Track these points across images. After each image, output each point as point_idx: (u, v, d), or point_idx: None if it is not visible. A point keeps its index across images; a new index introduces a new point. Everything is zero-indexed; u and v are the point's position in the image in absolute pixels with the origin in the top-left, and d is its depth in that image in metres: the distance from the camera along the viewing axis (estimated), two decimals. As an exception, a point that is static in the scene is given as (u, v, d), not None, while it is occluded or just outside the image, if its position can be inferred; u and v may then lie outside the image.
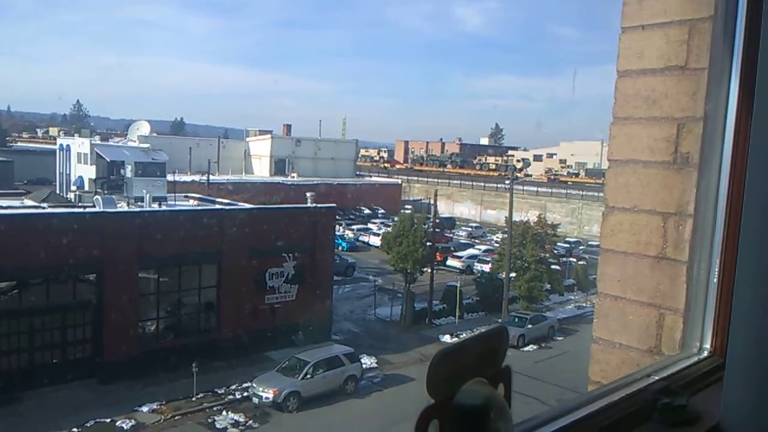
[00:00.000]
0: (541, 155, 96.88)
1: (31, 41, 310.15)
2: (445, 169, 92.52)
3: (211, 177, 47.35)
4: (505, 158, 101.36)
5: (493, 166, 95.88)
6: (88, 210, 25.79)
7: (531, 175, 79.98)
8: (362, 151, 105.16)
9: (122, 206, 28.93)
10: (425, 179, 77.37)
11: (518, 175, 69.91)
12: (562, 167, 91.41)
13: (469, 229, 56.63)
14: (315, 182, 53.75)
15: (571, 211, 58.47)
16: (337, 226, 38.18)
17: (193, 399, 21.10)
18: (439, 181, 73.16)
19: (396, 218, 39.88)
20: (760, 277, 1.25)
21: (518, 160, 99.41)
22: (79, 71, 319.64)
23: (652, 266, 1.68)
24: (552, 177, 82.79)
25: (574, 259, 41.63)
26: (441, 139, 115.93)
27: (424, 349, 26.02)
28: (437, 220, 39.40)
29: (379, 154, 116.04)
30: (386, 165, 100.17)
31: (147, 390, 21.12)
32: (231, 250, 25.06)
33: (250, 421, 20.32)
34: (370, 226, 51.91)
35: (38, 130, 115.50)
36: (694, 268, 1.62)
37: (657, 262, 1.67)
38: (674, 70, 1.63)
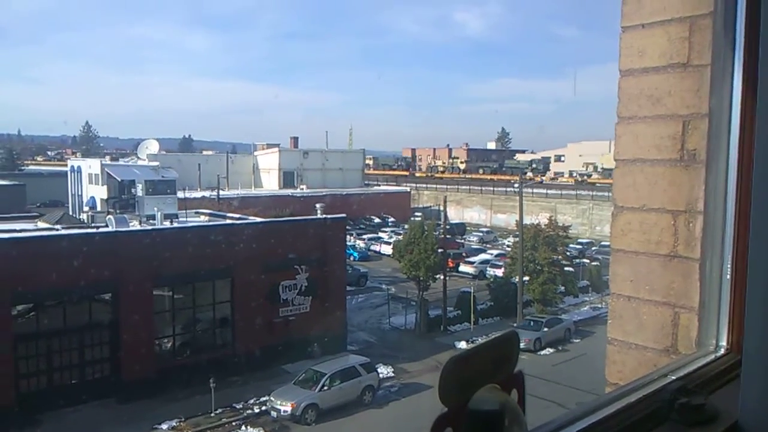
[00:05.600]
0: (549, 157, 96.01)
1: (36, 64, 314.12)
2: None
3: (221, 192, 47.60)
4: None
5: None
6: (101, 230, 26.03)
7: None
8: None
9: (134, 225, 29.14)
10: (434, 186, 77.17)
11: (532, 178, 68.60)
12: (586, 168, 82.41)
13: (480, 234, 56.47)
14: (324, 193, 53.84)
15: (581, 212, 58.15)
16: (348, 236, 38.20)
17: (212, 415, 21.12)
18: (448, 187, 73.03)
19: (406, 226, 39.84)
20: (772, 271, 1.24)
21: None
22: (87, 93, 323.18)
23: (664, 265, 1.66)
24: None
25: (587, 260, 41.30)
26: (448, 145, 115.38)
27: (440, 356, 25.88)
28: (447, 227, 39.32)
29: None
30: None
31: (166, 407, 21.16)
32: (243, 265, 25.14)
33: (269, 435, 20.33)
34: (380, 234, 51.91)
35: (49, 152, 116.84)
36: (706, 265, 1.60)
37: (669, 261, 1.65)
38: (677, 67, 1.63)
